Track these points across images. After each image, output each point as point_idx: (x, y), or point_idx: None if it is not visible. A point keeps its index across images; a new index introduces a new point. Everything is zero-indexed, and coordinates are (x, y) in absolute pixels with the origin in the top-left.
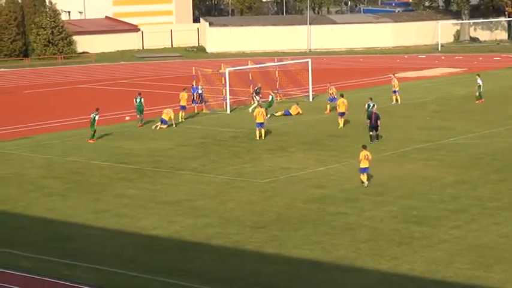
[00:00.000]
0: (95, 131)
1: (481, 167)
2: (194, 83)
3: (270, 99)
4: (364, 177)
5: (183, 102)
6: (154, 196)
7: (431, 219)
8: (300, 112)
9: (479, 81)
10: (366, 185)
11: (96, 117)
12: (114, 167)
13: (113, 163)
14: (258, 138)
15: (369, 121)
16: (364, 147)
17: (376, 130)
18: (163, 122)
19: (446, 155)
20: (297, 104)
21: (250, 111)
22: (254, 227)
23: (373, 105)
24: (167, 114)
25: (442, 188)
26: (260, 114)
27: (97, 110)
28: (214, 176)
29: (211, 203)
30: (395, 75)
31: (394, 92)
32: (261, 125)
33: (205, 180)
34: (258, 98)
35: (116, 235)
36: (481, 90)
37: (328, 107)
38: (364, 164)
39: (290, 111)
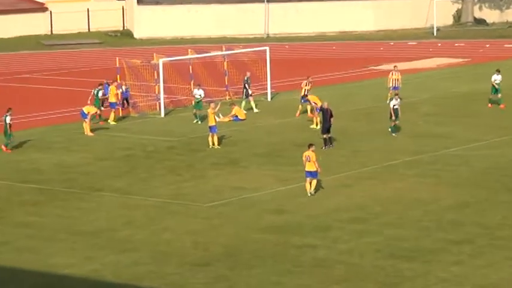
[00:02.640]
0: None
1: (488, 186)
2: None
3: (198, 93)
4: (308, 185)
5: (111, 99)
6: (67, 225)
7: (426, 252)
8: (233, 116)
9: (497, 78)
10: (309, 194)
11: (7, 120)
12: (14, 187)
13: (14, 182)
14: (210, 146)
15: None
16: (309, 146)
17: (329, 132)
18: (82, 115)
19: (444, 170)
20: (234, 105)
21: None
22: (196, 264)
23: (393, 100)
24: (88, 108)
25: (440, 212)
26: (212, 115)
27: (8, 110)
28: (144, 198)
29: (140, 233)
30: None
31: (395, 88)
32: (213, 129)
33: (132, 203)
34: (250, 91)
35: (16, 275)
36: (499, 89)
37: (300, 107)
38: (309, 167)
39: (237, 115)
